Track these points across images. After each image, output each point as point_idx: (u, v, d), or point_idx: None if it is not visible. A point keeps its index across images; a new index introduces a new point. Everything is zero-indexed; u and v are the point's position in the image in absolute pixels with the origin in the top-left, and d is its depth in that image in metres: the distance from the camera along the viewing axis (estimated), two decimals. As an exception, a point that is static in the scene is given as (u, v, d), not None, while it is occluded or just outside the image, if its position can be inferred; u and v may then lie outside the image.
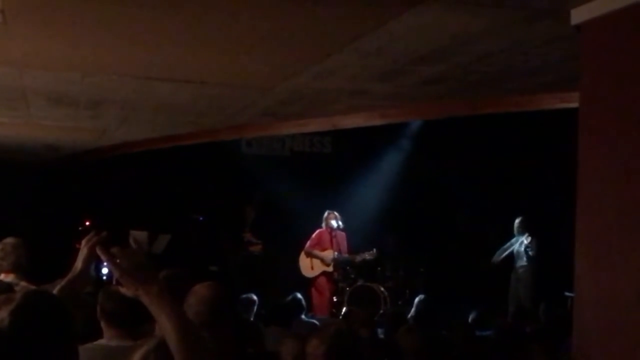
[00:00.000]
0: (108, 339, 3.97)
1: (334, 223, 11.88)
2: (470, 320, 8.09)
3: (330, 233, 11.92)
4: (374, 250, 11.99)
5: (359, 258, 12.00)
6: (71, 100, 7.86)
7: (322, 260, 11.88)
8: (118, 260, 2.49)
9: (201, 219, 13.79)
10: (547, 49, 5.30)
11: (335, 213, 11.98)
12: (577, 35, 4.21)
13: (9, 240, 5.57)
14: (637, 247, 3.60)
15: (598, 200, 3.86)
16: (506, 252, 12.21)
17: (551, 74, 6.13)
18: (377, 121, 8.70)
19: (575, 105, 4.27)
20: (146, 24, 5.05)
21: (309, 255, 11.98)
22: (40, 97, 7.78)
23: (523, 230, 11.99)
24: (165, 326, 2.42)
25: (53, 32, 5.36)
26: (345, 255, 12.03)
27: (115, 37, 5.42)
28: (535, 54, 5.51)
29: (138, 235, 11.21)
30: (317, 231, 12.06)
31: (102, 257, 2.58)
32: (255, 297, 8.36)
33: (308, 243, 12.02)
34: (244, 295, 8.35)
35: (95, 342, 3.94)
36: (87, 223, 13.36)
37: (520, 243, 12.01)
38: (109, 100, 7.88)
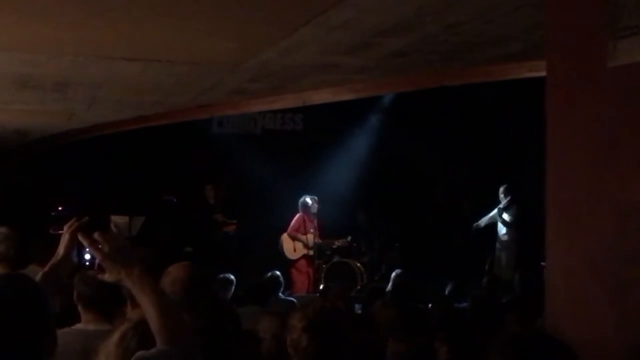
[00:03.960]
0: (85, 323, 3.96)
1: (314, 207, 12.07)
2: (447, 292, 8.13)
3: (307, 218, 12.08)
4: (349, 238, 12.15)
5: (335, 245, 12.20)
6: (37, 83, 7.77)
7: (305, 243, 12.02)
8: (100, 246, 2.51)
9: (174, 200, 13.74)
10: (513, 17, 5.31)
11: (315, 198, 12.14)
12: (542, 2, 4.22)
13: (1, 229, 5.34)
14: (606, 211, 3.63)
15: (567, 167, 3.89)
16: (488, 220, 12.22)
17: (519, 42, 6.14)
18: (346, 96, 8.68)
19: (543, 73, 4.28)
20: (112, 3, 5.00)
21: (293, 238, 12.12)
22: (5, 81, 7.68)
23: (505, 196, 12.00)
24: (147, 308, 2.45)
25: (16, 14, 5.28)
26: (321, 242, 12.20)
27: (80, 17, 5.36)
28: (501, 23, 5.51)
29: (119, 220, 11.21)
30: (297, 215, 12.20)
31: (84, 243, 2.61)
32: (232, 277, 8.34)
33: (290, 227, 12.16)
34: (221, 275, 8.33)
35: (72, 327, 3.93)
36: (60, 208, 13.26)
37: (500, 210, 12.05)
38: (75, 82, 7.80)
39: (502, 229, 12.05)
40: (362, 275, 11.89)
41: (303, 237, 12.10)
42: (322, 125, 14.00)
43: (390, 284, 9.04)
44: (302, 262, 12.10)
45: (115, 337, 2.65)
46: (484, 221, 12.30)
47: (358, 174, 14.15)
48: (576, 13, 3.89)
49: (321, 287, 10.82)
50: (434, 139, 13.65)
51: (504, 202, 12.01)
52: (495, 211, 12.14)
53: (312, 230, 12.07)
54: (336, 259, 12.05)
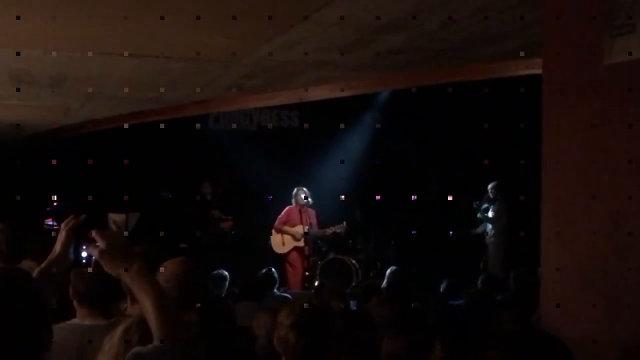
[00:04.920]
0: (81, 318, 3.97)
1: (303, 198, 11.89)
2: (441, 289, 8.13)
3: (300, 209, 11.94)
4: (344, 223, 12.03)
5: (329, 231, 12.04)
6: (33, 78, 7.75)
7: (293, 235, 11.90)
8: (97, 243, 2.52)
9: (170, 196, 13.72)
10: (510, 15, 5.31)
11: (304, 189, 11.98)
12: (539, 0, 4.21)
13: None
14: (601, 209, 3.63)
15: (562, 164, 3.89)
16: (481, 227, 12.27)
17: (516, 40, 6.14)
18: (343, 92, 8.68)
19: (540, 71, 4.28)
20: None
21: (279, 231, 12.00)
22: (1, 76, 7.66)
23: (494, 193, 12.01)
24: (144, 304, 2.46)
25: (13, 9, 5.27)
26: (316, 230, 12.06)
27: (76, 13, 5.34)
28: (498, 21, 5.51)
29: (117, 218, 11.20)
30: (286, 208, 12.07)
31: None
32: (226, 273, 8.33)
33: (277, 220, 12.04)
34: (215, 272, 8.32)
35: (68, 322, 3.93)
36: (55, 203, 13.24)
37: (479, 207, 12.08)
38: (71, 77, 7.79)
39: (488, 226, 12.09)
40: (358, 272, 11.87)
41: (290, 229, 11.93)
42: (318, 121, 14.00)
43: (385, 280, 9.03)
44: (294, 256, 11.91)
45: (119, 331, 2.66)
46: (479, 229, 12.34)
47: (354, 171, 14.14)
48: (573, 11, 3.89)
49: (316, 283, 10.80)
50: (430, 136, 13.67)
51: (483, 200, 12.03)
52: (479, 215, 12.17)
53: (309, 222, 11.94)
54: (331, 255, 12.03)
